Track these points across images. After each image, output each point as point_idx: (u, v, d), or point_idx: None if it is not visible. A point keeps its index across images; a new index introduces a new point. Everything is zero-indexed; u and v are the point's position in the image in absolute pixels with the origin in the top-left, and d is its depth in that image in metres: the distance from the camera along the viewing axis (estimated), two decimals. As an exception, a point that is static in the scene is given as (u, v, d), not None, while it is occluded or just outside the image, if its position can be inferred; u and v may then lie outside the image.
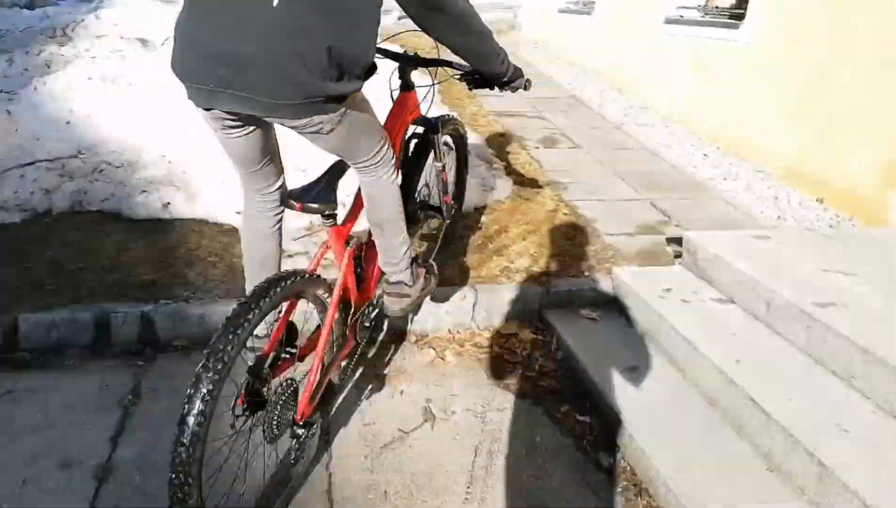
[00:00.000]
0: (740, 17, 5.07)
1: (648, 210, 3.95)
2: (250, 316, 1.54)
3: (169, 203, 3.36)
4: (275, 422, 1.72)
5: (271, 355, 1.75)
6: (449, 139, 2.74)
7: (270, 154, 1.88)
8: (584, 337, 2.73)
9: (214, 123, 1.71)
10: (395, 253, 2.11)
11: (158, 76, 3.92)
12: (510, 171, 4.42)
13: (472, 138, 4.79)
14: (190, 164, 3.58)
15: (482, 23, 1.88)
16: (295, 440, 1.84)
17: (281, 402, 1.73)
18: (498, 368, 2.66)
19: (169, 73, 1.67)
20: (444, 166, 2.50)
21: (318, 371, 1.87)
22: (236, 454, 1.71)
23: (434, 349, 2.74)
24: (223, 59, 1.51)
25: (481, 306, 2.92)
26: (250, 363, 1.71)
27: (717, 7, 5.51)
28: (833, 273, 2.60)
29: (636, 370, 2.48)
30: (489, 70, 2.06)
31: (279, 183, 1.97)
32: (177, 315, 2.64)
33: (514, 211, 3.80)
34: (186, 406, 1.42)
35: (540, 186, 4.17)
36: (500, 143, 4.98)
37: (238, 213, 3.17)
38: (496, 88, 2.18)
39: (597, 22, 7.70)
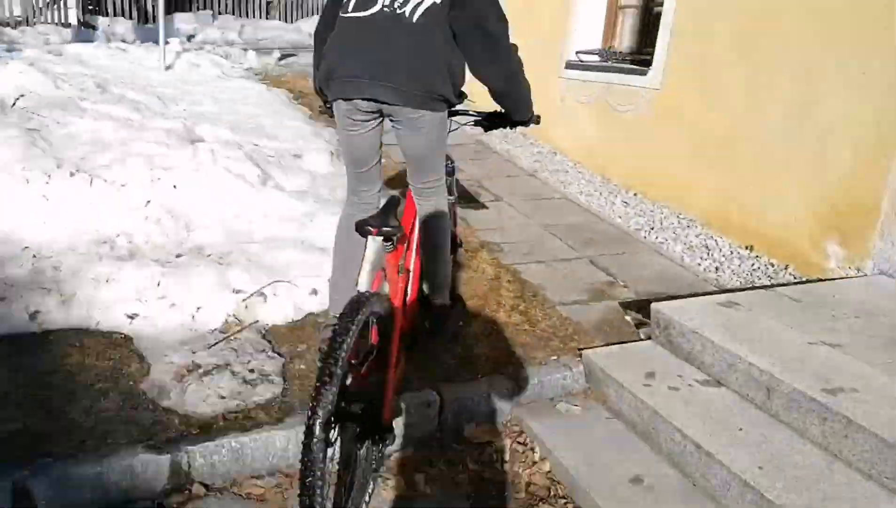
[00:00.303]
0: (646, 62, 5.09)
1: (591, 270, 3.73)
2: (350, 335, 1.66)
3: (37, 312, 2.67)
4: (362, 432, 1.89)
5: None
6: None
7: (378, 158, 2.37)
8: (569, 440, 2.39)
9: (351, 118, 2.16)
10: (442, 277, 2.52)
11: (12, 148, 3.20)
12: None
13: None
14: (63, 257, 2.89)
15: (525, 77, 2.33)
16: (377, 447, 2.00)
17: (368, 414, 1.86)
18: (482, 492, 2.25)
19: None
20: (455, 199, 2.85)
21: (392, 385, 2.02)
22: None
23: (402, 475, 2.28)
24: (376, 60, 2.03)
25: (448, 413, 2.51)
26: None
27: (617, 52, 5.53)
28: (819, 346, 2.45)
29: (641, 483, 2.17)
30: (519, 116, 2.43)
31: (377, 189, 2.44)
32: (62, 479, 1.99)
33: (454, 282, 3.42)
34: (312, 418, 1.54)
35: (474, 249, 3.84)
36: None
37: (130, 317, 2.60)
38: (507, 127, 2.48)
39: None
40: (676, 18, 4.59)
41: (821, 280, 3.42)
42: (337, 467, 1.83)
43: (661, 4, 5.25)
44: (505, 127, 2.47)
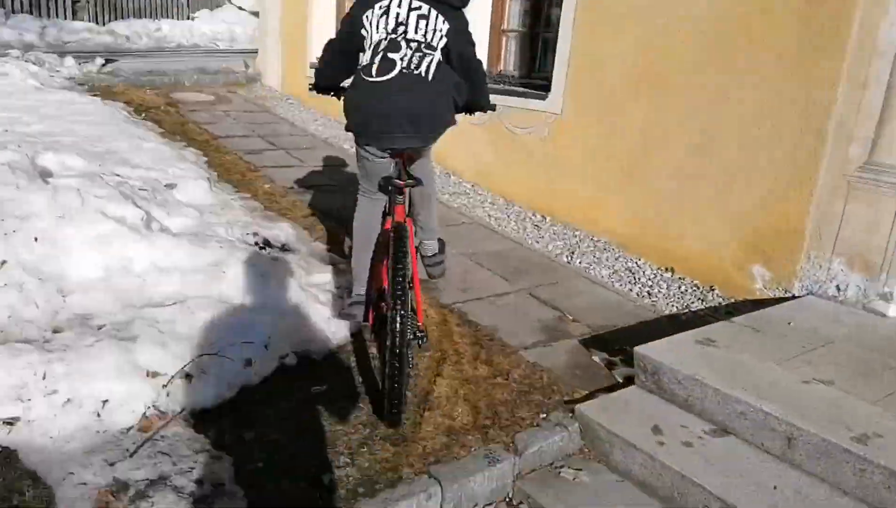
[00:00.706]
0: (540, 86, 5.02)
1: (534, 304, 3.51)
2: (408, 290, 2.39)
3: None
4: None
5: None
6: None
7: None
8: (590, 517, 2.11)
9: (376, 155, 2.66)
10: (434, 225, 3.19)
11: None
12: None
13: (286, 229, 3.87)
14: None
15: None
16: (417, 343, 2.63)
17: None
18: None
19: None
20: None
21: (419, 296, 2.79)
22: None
23: None
24: (404, 118, 2.50)
25: (449, 502, 2.11)
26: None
27: (508, 75, 5.42)
28: (815, 385, 2.42)
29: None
30: (481, 103, 2.88)
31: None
32: None
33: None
34: (398, 338, 2.22)
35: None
36: (328, 231, 4.12)
37: (9, 422, 1.97)
38: (469, 114, 2.92)
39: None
40: (573, 48, 4.57)
41: (760, 303, 3.50)
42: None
43: (549, 30, 5.25)
44: (471, 113, 2.94)
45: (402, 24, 2.54)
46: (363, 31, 2.60)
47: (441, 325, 3.14)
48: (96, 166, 3.86)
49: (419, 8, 2.55)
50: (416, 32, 2.53)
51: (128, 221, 2.99)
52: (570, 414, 2.51)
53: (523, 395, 2.64)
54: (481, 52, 5.72)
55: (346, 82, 2.72)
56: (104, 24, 14.76)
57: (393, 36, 2.54)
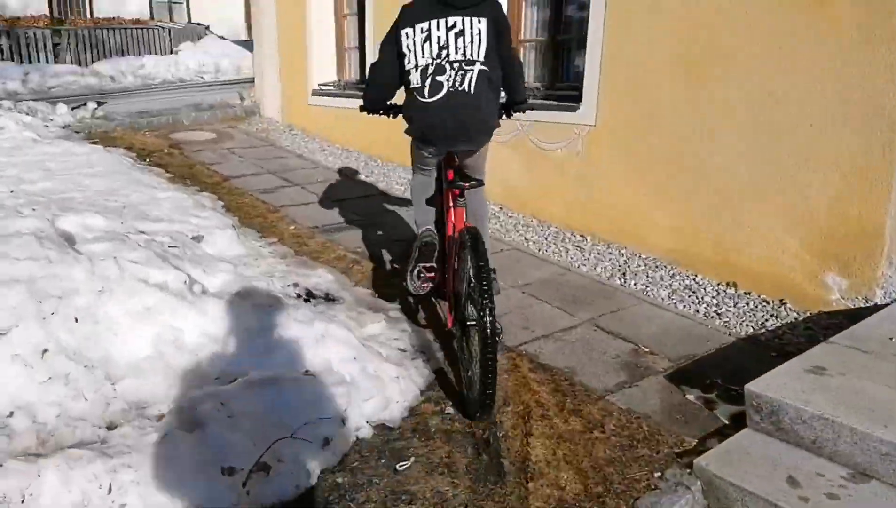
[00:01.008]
0: (566, 98, 4.81)
1: (603, 338, 3.27)
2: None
3: None
4: None
5: None
6: None
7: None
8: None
9: (433, 155, 2.99)
10: (487, 237, 3.11)
11: None
12: (413, 318, 3.37)
13: (325, 276, 3.64)
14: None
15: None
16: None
17: None
18: None
19: None
20: None
21: None
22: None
23: None
24: (456, 130, 2.78)
25: (584, 593, 1.86)
26: None
27: (533, 87, 5.20)
28: (953, 411, 2.19)
29: None
30: (517, 100, 3.10)
31: None
32: None
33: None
34: (490, 331, 2.34)
35: (467, 334, 3.21)
36: (368, 273, 3.87)
37: None
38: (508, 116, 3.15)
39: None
40: (606, 52, 4.34)
41: (838, 314, 3.28)
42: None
43: (570, 36, 5.04)
44: (510, 115, 3.18)
45: (443, 47, 2.75)
46: (406, 51, 2.80)
47: (513, 372, 2.90)
48: (118, 224, 3.61)
49: (454, 26, 2.75)
50: (456, 53, 2.76)
51: (170, 286, 2.73)
52: (688, 470, 2.27)
53: (627, 450, 2.40)
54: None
55: (393, 99, 3.06)
56: (87, 66, 14.49)
57: (438, 60, 2.76)
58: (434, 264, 2.93)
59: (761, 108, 3.58)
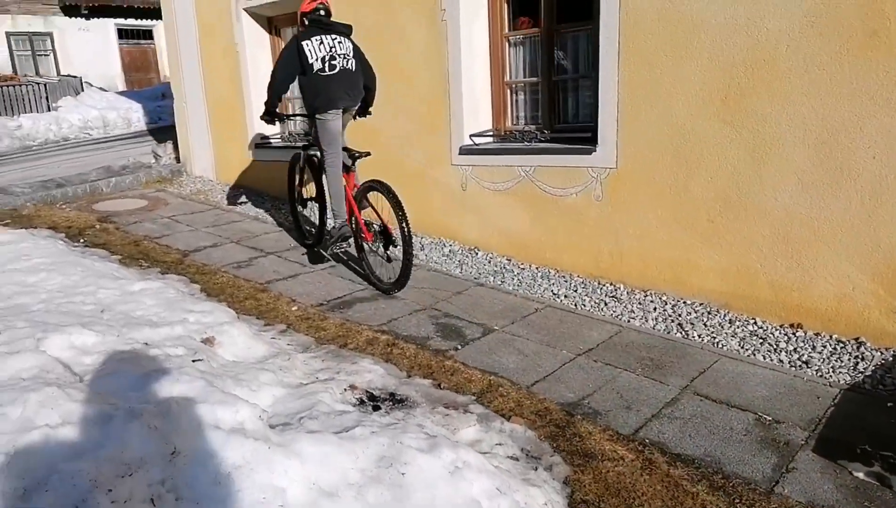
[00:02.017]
0: (575, 140, 4.55)
1: (713, 408, 2.93)
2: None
3: None
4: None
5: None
6: None
7: (343, 131, 4.56)
8: None
9: (337, 115, 4.40)
10: None
11: None
12: (502, 410, 2.88)
13: (373, 369, 3.12)
14: None
15: None
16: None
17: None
18: None
19: None
20: None
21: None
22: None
23: None
24: (349, 91, 4.45)
25: None
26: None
27: (536, 131, 4.90)
28: None
29: None
30: (368, 101, 4.77)
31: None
32: None
33: (618, 494, 2.33)
34: (409, 234, 4.12)
35: (560, 424, 2.78)
36: (414, 358, 3.33)
37: None
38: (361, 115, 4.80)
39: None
40: (624, 91, 4.11)
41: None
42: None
43: (566, 77, 4.81)
44: (363, 114, 4.81)
45: (332, 47, 4.42)
46: (308, 53, 4.35)
47: (652, 470, 2.49)
48: (114, 338, 2.87)
49: (336, 38, 4.46)
50: (340, 50, 4.46)
51: (247, 427, 2.10)
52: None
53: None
54: (484, 107, 5.24)
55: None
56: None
57: (331, 52, 4.41)
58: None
59: (817, 141, 3.45)
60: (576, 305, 4.18)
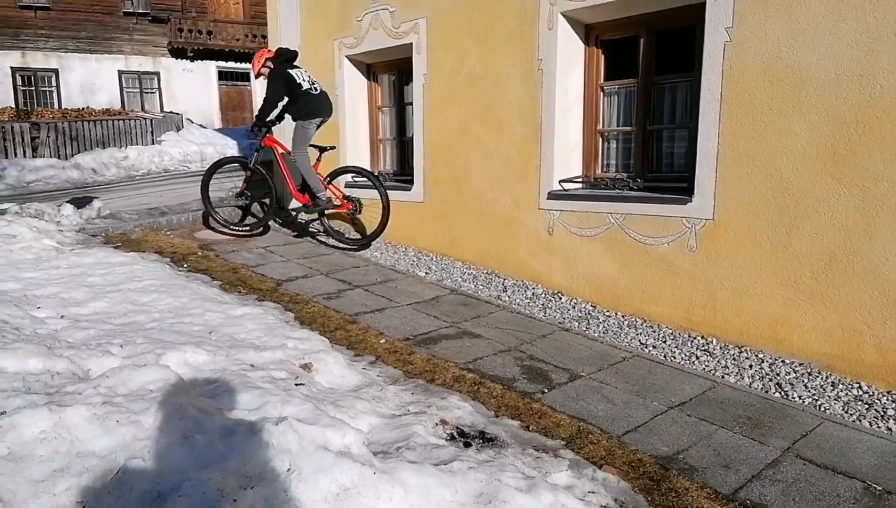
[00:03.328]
0: (675, 190, 4.52)
1: (818, 474, 2.80)
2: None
3: None
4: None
5: None
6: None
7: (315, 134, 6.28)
8: None
9: (316, 124, 6.16)
10: None
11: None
12: (592, 457, 2.84)
13: (461, 405, 3.15)
14: None
15: None
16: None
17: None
18: None
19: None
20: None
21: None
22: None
23: None
24: (326, 104, 6.22)
25: None
26: None
27: (627, 178, 4.91)
28: None
29: None
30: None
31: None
32: None
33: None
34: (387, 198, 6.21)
35: (666, 481, 2.70)
36: (501, 398, 3.34)
37: None
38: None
39: (424, 203, 6.57)
40: (724, 143, 4.08)
41: None
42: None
43: (662, 126, 4.81)
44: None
45: (308, 77, 6.14)
46: (297, 78, 6.01)
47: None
48: (223, 358, 3.03)
49: (306, 70, 6.30)
50: (310, 78, 6.19)
51: (353, 451, 2.17)
52: None
53: None
54: (575, 154, 5.30)
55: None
56: (68, 159, 13.84)
57: (309, 78, 6.13)
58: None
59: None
60: (665, 356, 4.09)
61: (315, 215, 6.74)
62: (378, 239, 6.52)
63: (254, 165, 6.44)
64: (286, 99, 6.06)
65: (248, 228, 6.74)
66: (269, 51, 6.21)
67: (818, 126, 3.67)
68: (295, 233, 7.08)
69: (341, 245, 6.53)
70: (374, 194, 6.25)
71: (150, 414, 2.04)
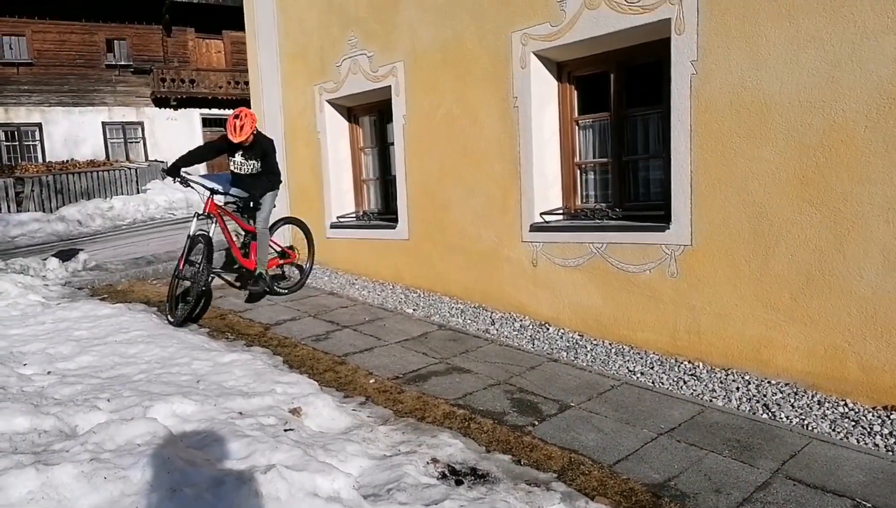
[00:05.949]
0: (653, 218, 4.61)
1: (816, 498, 2.82)
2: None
3: None
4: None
5: None
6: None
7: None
8: None
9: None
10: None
11: None
12: (585, 489, 2.85)
13: (452, 443, 3.15)
14: None
15: None
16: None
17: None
18: None
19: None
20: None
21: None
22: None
23: None
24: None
25: None
26: None
27: (605, 208, 5.00)
28: None
29: None
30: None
31: None
32: None
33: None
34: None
35: None
36: (492, 433, 3.35)
37: None
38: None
39: (409, 241, 6.63)
40: (698, 170, 4.19)
41: None
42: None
43: (637, 157, 4.93)
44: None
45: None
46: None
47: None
48: (211, 407, 3.03)
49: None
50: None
51: (343, 496, 2.17)
52: None
53: None
54: (554, 187, 5.39)
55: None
56: (52, 212, 13.85)
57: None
58: None
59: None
60: (653, 382, 4.12)
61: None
62: (349, 277, 6.50)
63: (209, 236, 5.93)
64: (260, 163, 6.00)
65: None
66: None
67: (786, 151, 3.78)
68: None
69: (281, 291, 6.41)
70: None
71: (137, 469, 2.04)
